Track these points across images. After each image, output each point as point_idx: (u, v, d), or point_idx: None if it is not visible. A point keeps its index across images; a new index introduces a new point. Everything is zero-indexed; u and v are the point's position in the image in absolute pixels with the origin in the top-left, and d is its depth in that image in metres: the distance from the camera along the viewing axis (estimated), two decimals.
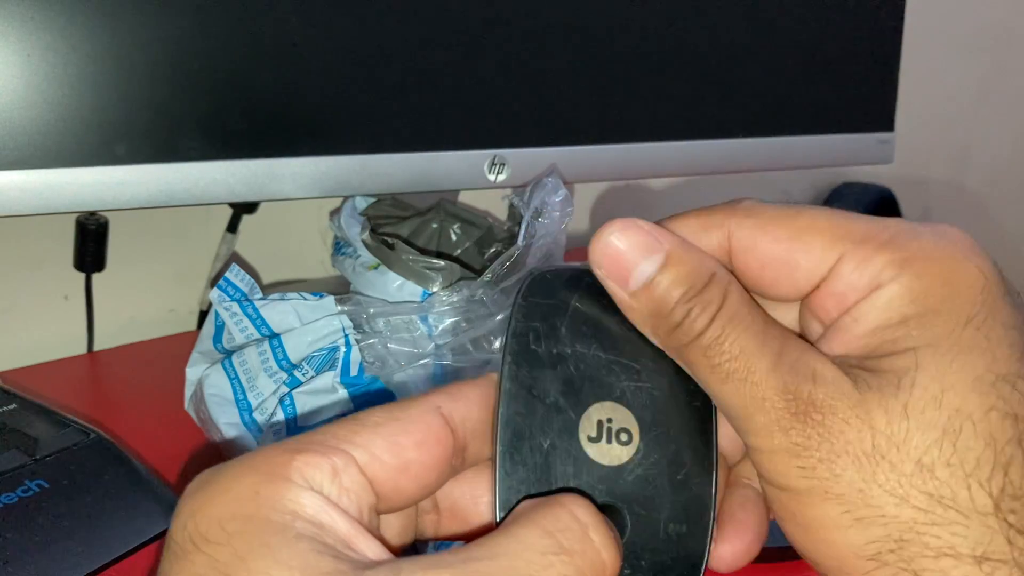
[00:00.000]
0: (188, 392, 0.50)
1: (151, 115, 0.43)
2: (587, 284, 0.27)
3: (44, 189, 0.41)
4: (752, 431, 0.24)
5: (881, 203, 1.19)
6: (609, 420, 0.26)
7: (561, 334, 0.26)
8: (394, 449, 0.23)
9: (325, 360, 0.47)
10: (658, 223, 0.27)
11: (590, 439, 0.26)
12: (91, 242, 0.61)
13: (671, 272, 0.25)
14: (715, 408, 0.26)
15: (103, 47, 0.41)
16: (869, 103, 0.68)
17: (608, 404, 0.26)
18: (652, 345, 0.26)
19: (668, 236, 0.26)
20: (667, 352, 0.26)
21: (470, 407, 0.25)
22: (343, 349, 0.46)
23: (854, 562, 0.23)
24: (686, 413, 0.26)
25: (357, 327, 0.47)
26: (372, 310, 0.47)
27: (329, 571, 0.20)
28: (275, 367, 0.47)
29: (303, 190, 0.47)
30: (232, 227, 0.66)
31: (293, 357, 0.47)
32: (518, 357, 0.26)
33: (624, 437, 0.26)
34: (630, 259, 0.25)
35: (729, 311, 0.25)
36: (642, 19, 0.57)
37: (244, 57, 0.45)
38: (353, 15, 0.47)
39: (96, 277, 0.63)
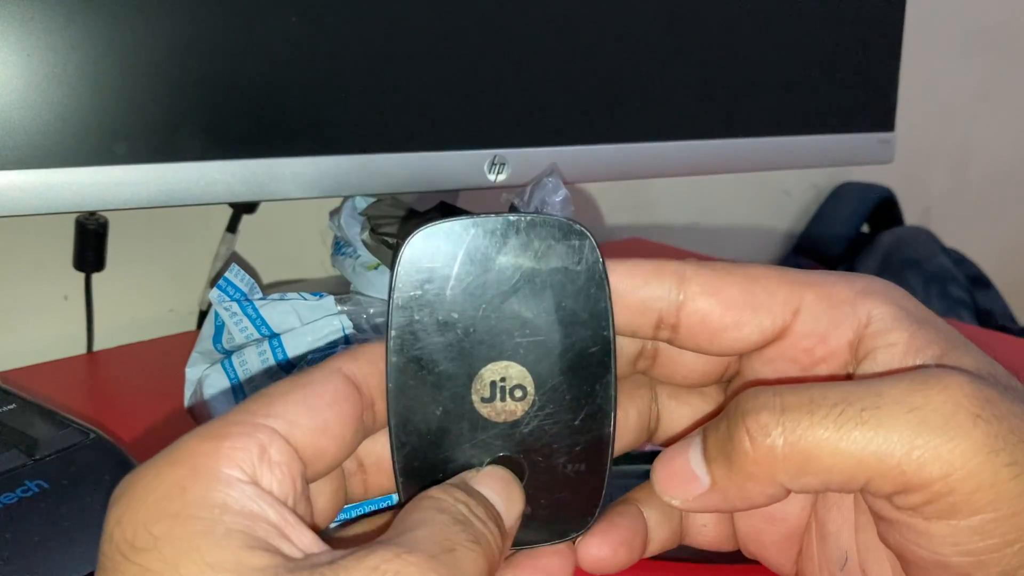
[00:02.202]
0: (188, 392, 0.50)
1: (151, 115, 0.43)
2: (471, 240, 0.25)
3: (43, 189, 0.41)
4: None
5: (881, 203, 1.19)
6: (503, 379, 0.26)
7: (446, 299, 0.25)
8: (309, 413, 0.23)
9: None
10: (605, 262, 0.27)
11: (483, 400, 0.26)
12: (91, 242, 0.61)
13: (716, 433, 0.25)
14: (613, 350, 0.26)
15: (103, 47, 0.41)
16: (869, 103, 0.68)
17: (501, 364, 0.25)
18: (543, 296, 0.25)
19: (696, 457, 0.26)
20: (785, 483, 0.25)
21: (371, 366, 0.26)
22: (343, 349, 0.46)
23: None
24: (582, 360, 0.26)
25: (357, 327, 0.47)
26: (372, 310, 0.47)
27: (261, 567, 0.20)
28: (275, 367, 0.47)
29: (303, 190, 0.47)
30: (232, 227, 0.66)
31: (293, 357, 0.47)
32: (403, 331, 0.25)
33: (519, 393, 0.26)
34: (687, 472, 0.26)
35: (794, 393, 0.24)
36: (642, 19, 0.57)
37: (244, 57, 0.45)
38: (353, 15, 0.47)
39: (96, 277, 0.63)
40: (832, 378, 0.26)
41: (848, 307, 0.26)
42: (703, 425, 0.26)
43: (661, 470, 0.26)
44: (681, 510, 0.28)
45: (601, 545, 0.27)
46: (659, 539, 0.29)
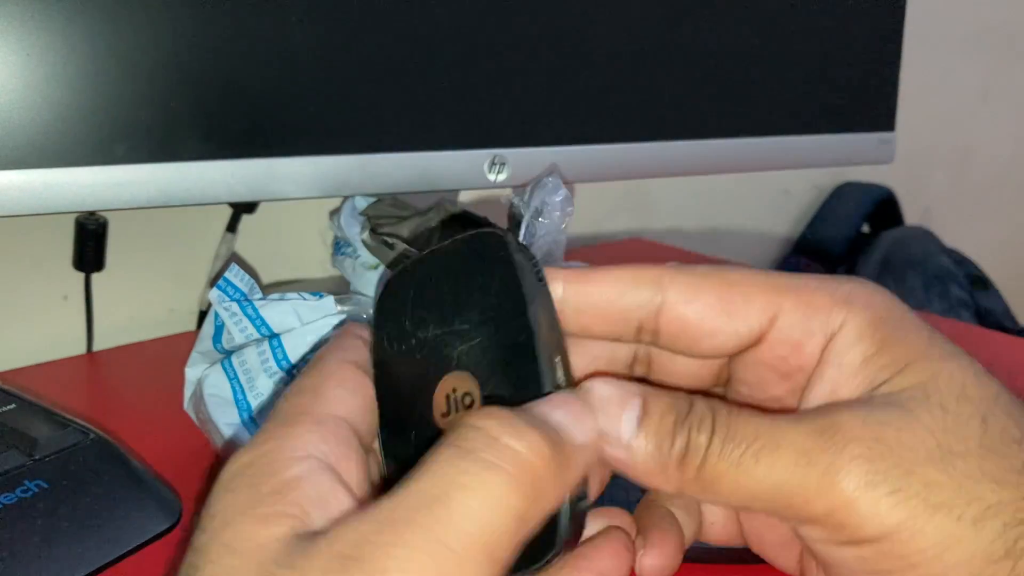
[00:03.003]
0: (187, 392, 0.50)
1: (150, 115, 0.43)
2: (419, 274, 0.28)
3: (43, 189, 0.41)
4: (821, 489, 0.24)
5: (881, 203, 1.19)
6: (454, 390, 0.26)
7: (406, 329, 0.27)
8: (348, 398, 0.26)
9: None
10: (581, 273, 0.27)
11: (443, 415, 0.26)
12: (90, 242, 0.61)
13: (654, 407, 0.25)
14: (535, 333, 0.26)
15: (102, 47, 0.41)
16: (870, 102, 0.68)
17: (450, 376, 0.26)
18: (470, 302, 0.26)
19: (635, 386, 0.26)
20: (695, 496, 0.25)
21: (363, 353, 0.28)
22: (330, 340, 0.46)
23: (992, 571, 0.23)
24: (513, 350, 0.26)
25: None
26: (372, 310, 0.47)
27: (272, 539, 0.22)
28: (275, 367, 0.47)
29: (303, 190, 0.47)
30: (232, 227, 0.66)
31: (293, 357, 0.47)
32: (380, 367, 0.28)
33: (468, 400, 0.26)
34: (613, 413, 0.25)
35: (724, 414, 0.25)
36: (642, 19, 0.56)
37: (243, 56, 0.45)
38: (353, 14, 0.47)
39: (95, 277, 0.63)
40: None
41: (824, 315, 0.26)
42: (649, 394, 0.26)
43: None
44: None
45: (662, 556, 0.28)
46: (689, 535, 0.29)
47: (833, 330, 0.26)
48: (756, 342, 0.26)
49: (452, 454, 0.21)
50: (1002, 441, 0.24)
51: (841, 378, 0.25)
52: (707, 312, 0.26)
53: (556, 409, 0.24)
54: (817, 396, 0.26)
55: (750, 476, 0.24)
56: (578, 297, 0.27)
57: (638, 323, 0.27)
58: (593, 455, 0.24)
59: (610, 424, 0.25)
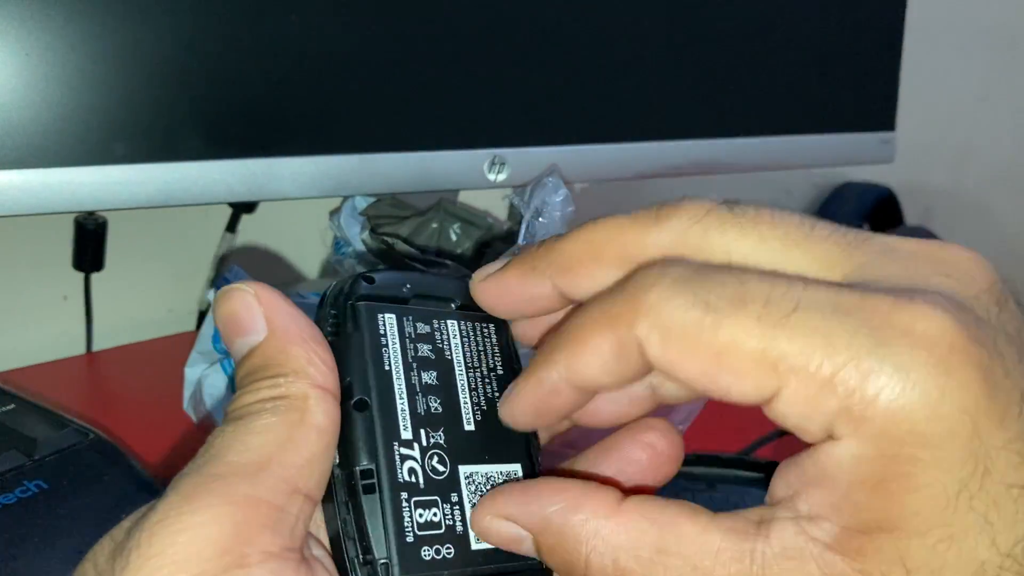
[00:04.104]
0: (187, 392, 0.50)
1: (150, 114, 0.43)
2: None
3: (42, 189, 0.41)
4: None
5: (881, 203, 1.19)
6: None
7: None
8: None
9: None
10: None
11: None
12: (90, 242, 0.61)
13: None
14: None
15: (102, 46, 0.41)
16: (870, 102, 0.68)
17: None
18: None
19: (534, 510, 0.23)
20: None
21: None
22: None
23: None
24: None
25: None
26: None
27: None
28: None
29: (303, 190, 0.47)
30: (231, 227, 0.65)
31: None
32: None
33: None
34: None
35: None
36: (642, 18, 0.56)
37: (243, 56, 0.45)
38: (353, 14, 0.47)
39: (95, 277, 0.63)
40: None
41: (826, 417, 0.19)
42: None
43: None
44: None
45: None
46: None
47: (832, 435, 0.20)
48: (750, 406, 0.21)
49: None
50: None
51: (818, 492, 0.20)
52: (695, 382, 0.21)
53: None
54: (789, 478, 0.21)
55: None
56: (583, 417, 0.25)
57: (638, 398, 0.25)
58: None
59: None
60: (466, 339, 0.26)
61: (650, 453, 0.25)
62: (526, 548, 0.23)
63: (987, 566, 0.19)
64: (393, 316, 0.25)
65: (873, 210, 1.19)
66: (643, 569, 0.21)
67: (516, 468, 0.25)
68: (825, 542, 0.20)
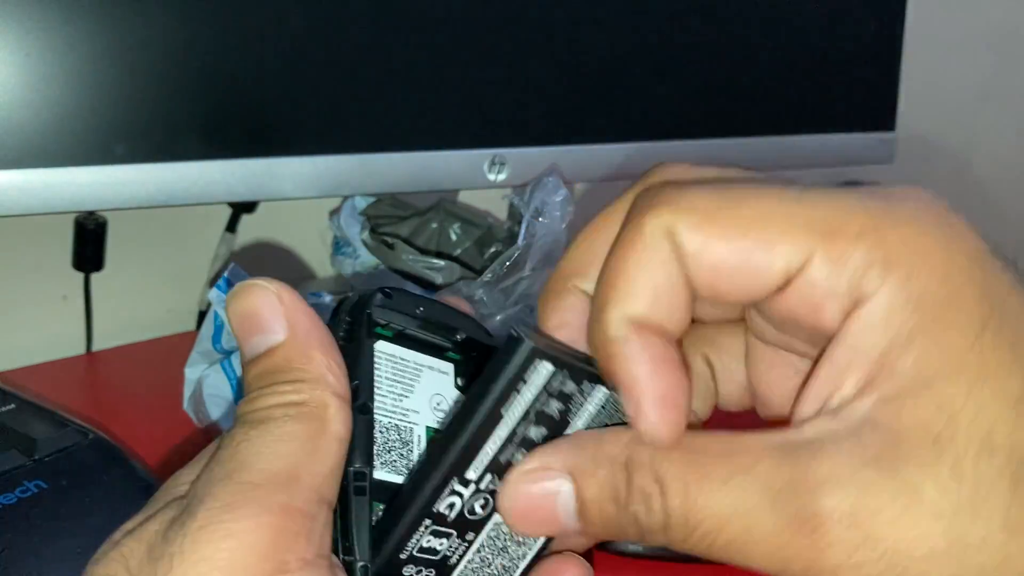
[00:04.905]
0: (187, 392, 0.50)
1: (150, 114, 0.43)
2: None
3: (42, 189, 0.41)
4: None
5: None
6: None
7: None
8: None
9: None
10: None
11: None
12: (90, 242, 0.61)
13: (588, 492, 0.22)
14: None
15: (101, 47, 0.41)
16: (870, 102, 0.68)
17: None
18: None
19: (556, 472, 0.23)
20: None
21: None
22: None
23: None
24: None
25: None
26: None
27: None
28: None
29: (302, 190, 0.47)
30: (231, 227, 0.65)
31: None
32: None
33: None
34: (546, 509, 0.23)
35: (672, 475, 0.21)
36: (643, 19, 0.56)
37: (243, 56, 0.45)
38: (353, 14, 0.47)
39: (95, 277, 0.63)
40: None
41: (856, 273, 0.20)
42: (578, 474, 0.22)
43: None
44: None
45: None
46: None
47: (861, 297, 0.20)
48: (778, 291, 0.21)
49: None
50: None
51: (849, 369, 0.20)
52: (722, 269, 0.21)
53: None
54: (819, 383, 0.21)
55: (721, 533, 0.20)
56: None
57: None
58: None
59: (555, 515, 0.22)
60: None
61: None
62: (562, 503, 0.22)
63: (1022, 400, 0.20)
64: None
65: None
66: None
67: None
68: (866, 418, 0.20)
